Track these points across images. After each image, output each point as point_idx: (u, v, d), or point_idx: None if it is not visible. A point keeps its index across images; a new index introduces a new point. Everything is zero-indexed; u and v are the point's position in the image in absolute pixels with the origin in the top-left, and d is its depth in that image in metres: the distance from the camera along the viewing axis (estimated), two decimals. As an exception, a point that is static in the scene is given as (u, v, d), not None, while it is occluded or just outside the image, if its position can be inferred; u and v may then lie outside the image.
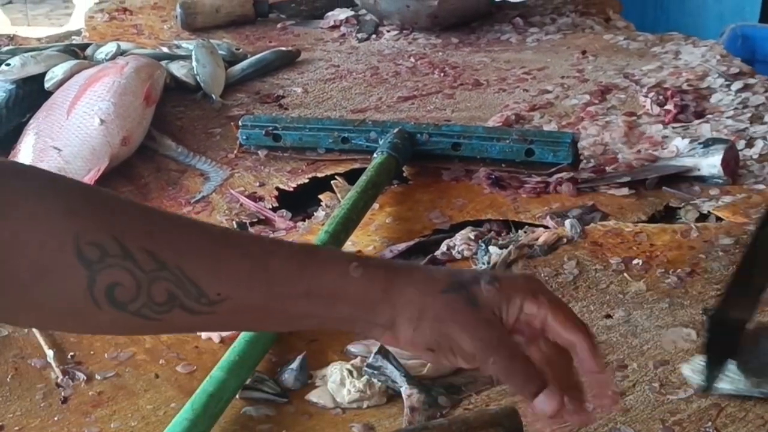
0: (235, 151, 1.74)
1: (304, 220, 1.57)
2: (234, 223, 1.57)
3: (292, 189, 1.64)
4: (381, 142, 1.63)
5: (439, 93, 1.92)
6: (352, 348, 1.26)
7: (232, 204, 1.62)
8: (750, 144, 1.66)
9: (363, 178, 1.53)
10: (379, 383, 1.18)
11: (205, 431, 1.10)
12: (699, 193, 1.56)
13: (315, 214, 1.58)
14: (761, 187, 1.55)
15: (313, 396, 1.19)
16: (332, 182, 1.63)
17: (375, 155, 1.60)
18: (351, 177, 1.63)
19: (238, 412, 1.17)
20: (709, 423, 1.11)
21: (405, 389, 1.17)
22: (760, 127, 1.71)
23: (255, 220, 1.58)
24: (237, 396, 1.17)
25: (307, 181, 1.66)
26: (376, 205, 1.54)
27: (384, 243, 1.47)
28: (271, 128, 1.71)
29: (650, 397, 1.16)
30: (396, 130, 1.64)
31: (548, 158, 1.60)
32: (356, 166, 1.66)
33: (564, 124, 1.76)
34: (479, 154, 1.63)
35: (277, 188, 1.65)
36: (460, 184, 1.61)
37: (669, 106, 1.77)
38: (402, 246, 1.45)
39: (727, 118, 1.75)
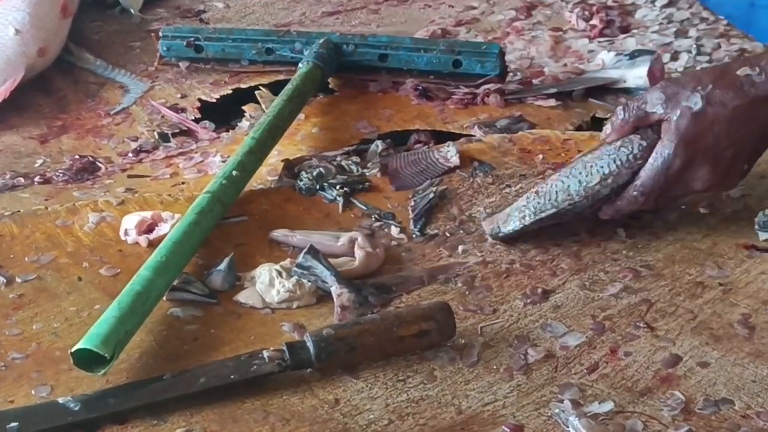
0: (156, 63, 1.70)
1: (228, 131, 1.54)
2: (156, 134, 1.54)
3: (215, 100, 1.61)
4: (306, 53, 1.60)
5: (364, 8, 1.90)
6: (275, 234, 1.25)
7: (153, 115, 1.59)
8: (675, 57, 1.66)
9: (289, 87, 1.50)
10: (309, 283, 1.16)
11: (132, 330, 1.07)
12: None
13: (239, 124, 1.55)
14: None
15: (242, 297, 1.17)
16: (256, 93, 1.60)
17: (300, 65, 1.57)
18: (275, 88, 1.60)
19: (165, 313, 1.14)
20: (639, 318, 1.12)
21: (335, 289, 1.15)
22: (685, 41, 1.71)
23: (177, 131, 1.55)
24: (164, 298, 1.15)
25: (230, 92, 1.62)
26: (302, 116, 1.52)
27: (311, 151, 1.45)
28: (192, 39, 1.67)
29: (580, 294, 1.16)
30: (322, 41, 1.61)
31: (476, 70, 1.59)
32: (281, 77, 1.63)
33: (490, 39, 1.75)
34: (406, 66, 1.61)
35: (200, 99, 1.62)
36: (387, 95, 1.59)
37: (595, 21, 1.77)
38: (330, 153, 1.43)
39: (653, 32, 1.75)
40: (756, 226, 1.23)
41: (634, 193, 1.19)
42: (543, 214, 1.22)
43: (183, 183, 1.40)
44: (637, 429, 0.97)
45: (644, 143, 1.19)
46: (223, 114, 1.60)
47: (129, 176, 1.44)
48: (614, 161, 1.20)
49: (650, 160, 1.18)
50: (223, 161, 1.43)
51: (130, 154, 1.49)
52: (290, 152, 1.45)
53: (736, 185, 1.23)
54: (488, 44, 1.62)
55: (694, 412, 0.99)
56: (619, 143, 1.20)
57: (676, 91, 1.18)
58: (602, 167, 1.20)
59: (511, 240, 1.24)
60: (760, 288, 1.15)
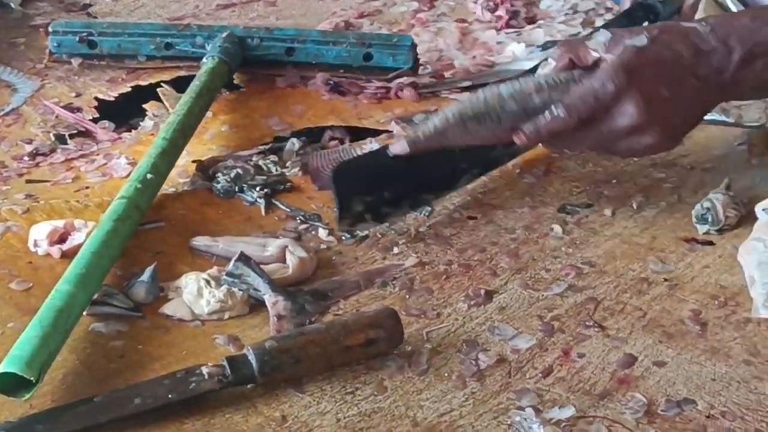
0: (45, 61, 1.60)
1: (130, 131, 1.46)
2: (51, 135, 1.44)
3: (113, 98, 1.52)
4: (209, 48, 1.52)
5: (260, 1, 1.83)
6: (196, 242, 1.18)
7: (47, 116, 1.49)
8: (584, 48, 1.64)
9: (196, 83, 1.42)
10: (241, 292, 1.09)
11: (56, 349, 0.99)
12: (540, 96, 1.52)
13: (142, 124, 1.46)
14: (600, 89, 1.53)
15: (168, 309, 1.09)
16: (159, 90, 1.52)
17: (204, 60, 1.49)
18: (177, 85, 1.53)
19: (86, 329, 1.06)
20: (588, 317, 1.08)
21: (269, 297, 1.09)
22: (592, 32, 1.69)
23: (74, 132, 1.46)
24: (84, 313, 1.06)
25: (129, 90, 1.54)
26: (209, 114, 1.44)
27: (222, 151, 1.38)
28: (85, 34, 1.57)
29: (524, 294, 1.12)
30: (225, 35, 1.53)
31: (387, 63, 1.53)
32: (182, 73, 1.55)
33: (395, 31, 1.70)
34: (315, 60, 1.54)
35: (96, 98, 1.52)
36: (296, 90, 1.53)
37: (500, 12, 1.73)
38: (245, 153, 1.36)
39: (559, 23, 1.72)
40: (694, 219, 1.21)
41: (559, 109, 1.14)
42: (469, 112, 1.14)
43: (87, 187, 1.32)
44: (601, 434, 0.94)
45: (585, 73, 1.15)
46: (121, 113, 1.51)
47: (27, 181, 1.34)
48: (553, 78, 1.15)
49: (583, 81, 1.15)
50: (130, 163, 1.35)
51: (26, 158, 1.39)
52: (200, 152, 1.37)
53: (666, 146, 1.19)
54: (400, 37, 1.57)
55: (658, 414, 0.96)
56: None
57: (623, 34, 1.16)
58: (539, 79, 1.15)
59: (429, 146, 1.15)
60: (706, 282, 1.13)
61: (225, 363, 0.98)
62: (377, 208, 1.21)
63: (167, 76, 1.55)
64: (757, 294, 1.08)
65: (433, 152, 1.16)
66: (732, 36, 1.16)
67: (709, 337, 1.05)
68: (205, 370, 0.97)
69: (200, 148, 1.38)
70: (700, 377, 1.00)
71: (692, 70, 1.15)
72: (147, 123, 1.46)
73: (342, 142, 1.41)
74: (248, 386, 0.99)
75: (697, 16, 1.44)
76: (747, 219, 1.20)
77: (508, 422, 0.95)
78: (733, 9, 1.41)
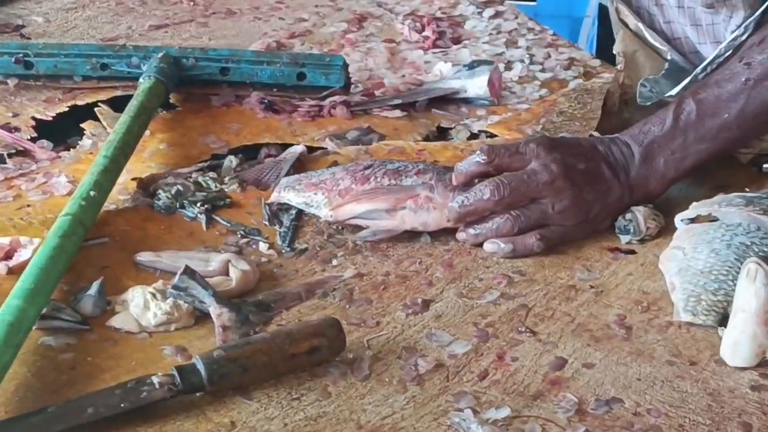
0: (-19, 82, 1.62)
1: (68, 150, 1.48)
2: (-9, 155, 1.46)
3: (51, 118, 1.55)
4: (145, 68, 1.56)
5: (192, 21, 1.87)
6: (140, 258, 1.22)
7: (-16, 136, 1.51)
8: (509, 67, 1.71)
9: (134, 103, 1.46)
10: (186, 304, 1.13)
11: (8, 363, 1.02)
12: (467, 114, 1.58)
13: (80, 143, 1.49)
14: (525, 106, 1.59)
15: (116, 322, 1.12)
16: (96, 110, 1.55)
17: (141, 80, 1.52)
18: (113, 105, 1.56)
19: (36, 343, 1.09)
20: (520, 323, 1.14)
21: (214, 309, 1.12)
22: (516, 51, 1.75)
23: (13, 151, 1.48)
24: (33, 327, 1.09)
25: (66, 109, 1.56)
26: (147, 132, 1.47)
27: (161, 168, 1.41)
28: (21, 55, 1.60)
29: (458, 302, 1.17)
30: (160, 55, 1.57)
31: (320, 82, 1.58)
32: (118, 93, 1.58)
33: (326, 51, 1.75)
34: (249, 79, 1.59)
35: (34, 118, 1.55)
36: (231, 109, 1.57)
37: (427, 33, 1.79)
38: (185, 170, 1.40)
39: (484, 43, 1.78)
40: (617, 230, 1.27)
41: (480, 151, 1.26)
42: None
43: (28, 206, 1.34)
44: (536, 432, 0.99)
45: None
46: (58, 132, 1.53)
47: (-32, 200, 1.36)
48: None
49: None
50: (70, 182, 1.38)
51: (-35, 177, 1.42)
52: (139, 170, 1.40)
53: (576, 215, 1.25)
54: (332, 56, 1.62)
55: (588, 412, 1.02)
56: None
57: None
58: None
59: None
60: (629, 289, 1.19)
61: (175, 372, 1.01)
62: None
63: (104, 96, 1.58)
64: (678, 299, 1.14)
65: None
66: (630, 140, 1.29)
67: (634, 340, 1.11)
68: (155, 379, 1.01)
69: (139, 165, 1.41)
70: (627, 377, 1.06)
71: (605, 159, 1.28)
72: (85, 142, 1.49)
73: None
74: (197, 394, 1.02)
75: (615, 50, 1.52)
76: (666, 229, 1.27)
77: (448, 423, 1.00)
78: (650, 40, 1.48)
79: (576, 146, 1.29)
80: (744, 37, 1.33)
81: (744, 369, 1.06)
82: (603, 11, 3.16)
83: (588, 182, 1.25)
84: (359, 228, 1.27)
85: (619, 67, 1.50)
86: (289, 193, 1.32)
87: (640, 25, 1.48)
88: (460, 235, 1.26)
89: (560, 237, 1.25)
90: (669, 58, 1.45)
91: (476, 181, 1.26)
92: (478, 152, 1.26)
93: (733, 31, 1.37)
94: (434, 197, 1.26)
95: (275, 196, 1.32)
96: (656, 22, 1.49)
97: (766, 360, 1.06)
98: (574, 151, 1.27)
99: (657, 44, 1.47)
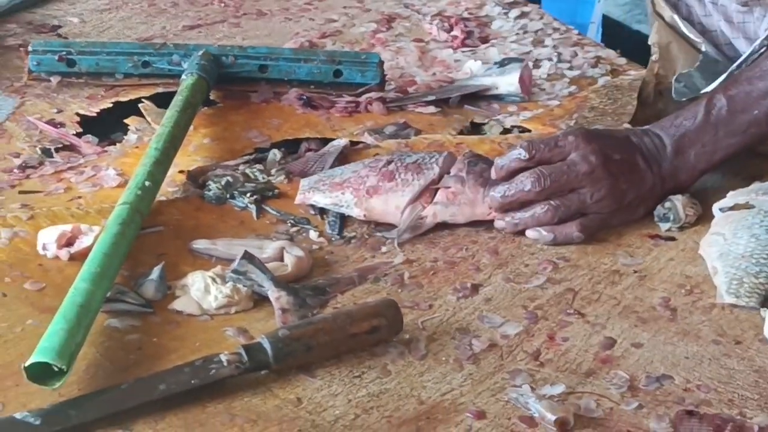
0: (25, 79, 1.65)
1: (113, 145, 1.52)
2: (38, 149, 1.50)
3: (95, 114, 1.59)
4: (186, 65, 1.59)
5: (224, 22, 1.90)
6: (196, 245, 1.26)
7: (31, 131, 1.55)
8: (537, 65, 1.74)
9: (178, 98, 1.50)
10: (245, 288, 1.17)
11: (81, 341, 1.05)
12: (499, 110, 1.63)
13: (126, 137, 1.53)
14: (555, 102, 1.64)
15: (178, 305, 1.16)
16: (140, 105, 1.58)
17: (184, 77, 1.56)
18: (155, 101, 1.60)
19: (102, 325, 1.13)
20: (568, 306, 1.18)
21: (273, 292, 1.16)
22: (543, 50, 1.80)
23: (59, 146, 1.52)
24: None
25: (110, 105, 1.60)
26: (190, 128, 1.51)
27: (207, 161, 1.45)
28: (65, 53, 1.64)
29: (506, 287, 1.21)
30: (201, 53, 1.61)
31: (356, 79, 1.62)
32: (159, 90, 1.62)
33: (358, 50, 1.79)
34: (287, 76, 1.62)
35: (78, 114, 1.59)
36: (270, 105, 1.61)
37: (456, 32, 1.83)
38: (232, 163, 1.44)
39: (511, 42, 1.83)
40: (656, 219, 1.31)
41: (520, 147, 1.29)
42: None
43: (80, 197, 1.38)
44: (591, 407, 1.03)
45: None
46: (100, 128, 1.57)
47: (20, 192, 1.40)
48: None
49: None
50: (118, 174, 1.42)
51: (16, 170, 1.45)
52: (186, 163, 1.44)
53: (612, 204, 1.29)
54: (367, 54, 1.66)
55: (639, 388, 1.06)
56: None
57: None
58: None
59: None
60: (672, 273, 1.23)
61: (242, 351, 1.05)
62: None
63: (145, 92, 1.62)
64: (721, 282, 1.18)
65: None
66: (662, 133, 1.33)
67: (680, 320, 1.15)
68: (223, 357, 1.05)
69: (185, 159, 1.45)
70: (675, 356, 1.10)
71: (640, 151, 1.32)
72: (131, 137, 1.52)
73: (317, 152, 1.49)
74: (263, 372, 1.06)
75: (650, 41, 1.56)
76: (704, 217, 1.31)
77: (506, 399, 1.04)
78: (685, 31, 1.52)
79: (612, 138, 1.33)
80: None
81: (787, 347, 1.11)
82: (606, 20, 3.22)
83: (623, 172, 1.29)
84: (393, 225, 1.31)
85: (654, 58, 1.54)
86: (315, 194, 1.34)
87: (676, 17, 1.52)
88: (499, 223, 1.30)
89: (598, 225, 1.29)
90: (703, 50, 1.49)
91: None
92: (518, 148, 1.29)
93: (767, 29, 1.41)
94: (465, 191, 1.30)
95: (300, 198, 1.35)
96: (694, 14, 1.53)
97: (809, 338, 1.11)
98: (610, 142, 1.31)
99: (692, 36, 1.50)
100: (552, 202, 1.28)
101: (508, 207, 1.29)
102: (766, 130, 1.33)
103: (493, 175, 1.30)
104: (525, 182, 1.28)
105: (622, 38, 2.06)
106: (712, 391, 1.05)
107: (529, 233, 1.28)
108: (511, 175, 1.29)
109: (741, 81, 1.33)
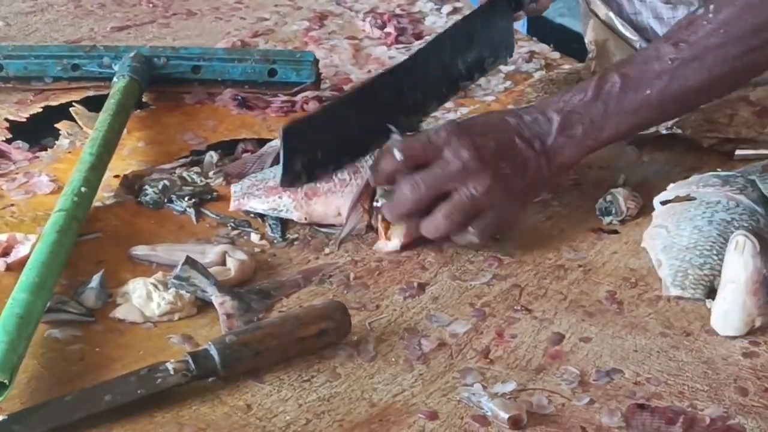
0: (-51, 85, 1.61)
1: (44, 150, 1.48)
2: (-35, 157, 1.46)
3: (25, 119, 1.55)
4: (117, 68, 1.56)
5: (154, 23, 1.87)
6: (136, 251, 1.23)
7: (-43, 138, 1.51)
8: (472, 61, 1.74)
9: (111, 102, 1.47)
10: (189, 294, 1.15)
11: (22, 354, 1.03)
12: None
13: (57, 142, 1.49)
14: (491, 98, 1.63)
15: (120, 313, 1.14)
16: (71, 110, 1.55)
17: (115, 79, 1.53)
18: (86, 105, 1.56)
19: (43, 336, 1.10)
20: (515, 302, 1.17)
21: (216, 297, 1.14)
22: (478, 46, 1.79)
23: (-12, 153, 1.48)
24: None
25: (40, 110, 1.57)
26: (124, 131, 1.48)
27: (142, 165, 1.42)
28: (-9, 58, 1.60)
29: (453, 285, 1.20)
30: (132, 54, 1.58)
31: (292, 78, 1.60)
32: (90, 93, 1.59)
33: (291, 49, 1.77)
34: (220, 77, 1.60)
35: (7, 119, 1.55)
36: (204, 106, 1.58)
37: (389, 29, 1.82)
38: (168, 166, 1.41)
39: (445, 38, 1.82)
40: (598, 212, 1.31)
41: (395, 148, 1.24)
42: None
43: (12, 205, 1.34)
44: (543, 404, 1.03)
45: None
46: (31, 133, 1.53)
47: (-50, 201, 1.36)
48: None
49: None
50: (52, 180, 1.38)
51: (-57, 179, 1.41)
52: (120, 168, 1.41)
53: (497, 195, 1.24)
54: (302, 53, 1.64)
55: (590, 383, 1.06)
56: None
57: None
58: None
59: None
60: (616, 266, 1.23)
61: (188, 358, 1.03)
62: (313, 166, 1.27)
63: (76, 96, 1.58)
64: (666, 274, 1.19)
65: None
66: (548, 108, 1.29)
67: (627, 314, 1.16)
68: (170, 365, 1.03)
69: (120, 163, 1.42)
70: (624, 349, 1.10)
71: (517, 131, 1.27)
72: (63, 142, 1.49)
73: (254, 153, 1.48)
74: (210, 379, 1.04)
75: (587, 39, 1.55)
76: (645, 210, 1.31)
77: (458, 398, 1.03)
78: (621, 29, 1.52)
79: (485, 125, 1.28)
80: None
81: (734, 338, 1.11)
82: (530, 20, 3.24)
83: (502, 158, 1.25)
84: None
85: (591, 56, 1.55)
86: (251, 200, 1.31)
87: (611, 14, 1.52)
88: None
89: (495, 220, 1.24)
90: (638, 47, 1.49)
91: None
92: (393, 149, 1.24)
93: None
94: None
95: (235, 205, 1.32)
96: (624, 12, 1.53)
97: (755, 329, 1.11)
98: (483, 129, 1.27)
99: (627, 33, 1.51)
100: (442, 210, 1.24)
101: (403, 218, 1.26)
102: (656, 113, 1.30)
103: (373, 181, 1.26)
104: (404, 193, 1.23)
105: (545, 32, 2.06)
106: (662, 383, 1.05)
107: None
108: (389, 178, 1.25)
109: (636, 61, 1.30)
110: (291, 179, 1.26)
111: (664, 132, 1.41)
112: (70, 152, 1.46)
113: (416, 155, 1.24)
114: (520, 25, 3.43)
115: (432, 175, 1.23)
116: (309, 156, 1.26)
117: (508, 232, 1.28)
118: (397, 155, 1.24)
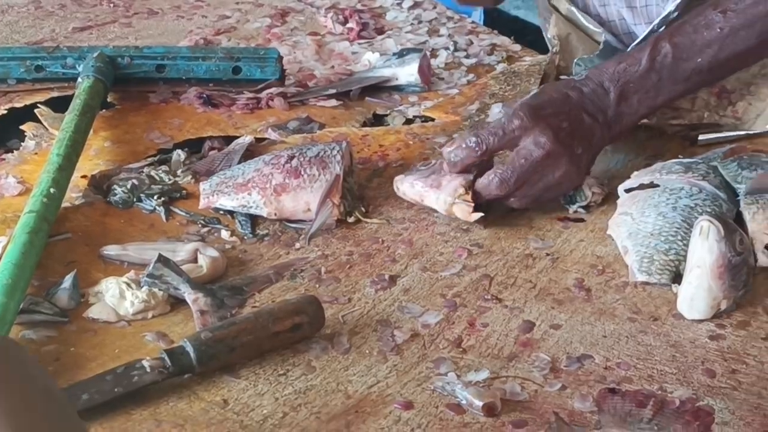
0: None
1: (10, 152, 1.48)
2: (-72, 163, 1.46)
3: (-12, 122, 1.55)
4: (81, 68, 1.57)
5: (116, 22, 1.87)
6: (107, 251, 1.24)
7: None
8: (434, 55, 1.75)
9: (76, 102, 1.47)
10: (162, 292, 1.15)
11: (-2, 355, 1.03)
12: (400, 101, 1.63)
13: (23, 144, 1.49)
14: (455, 91, 1.65)
15: (93, 312, 1.14)
16: (36, 111, 1.55)
17: (80, 80, 1.53)
18: (51, 106, 1.57)
19: (17, 337, 1.10)
20: (485, 292, 1.19)
21: (190, 294, 1.15)
22: (439, 39, 1.81)
23: (-47, 155, 1.48)
24: (12, 321, 1.10)
25: (5, 112, 1.56)
26: (90, 131, 1.48)
27: (110, 165, 1.43)
28: (-48, 60, 1.59)
29: (424, 276, 1.22)
30: (95, 55, 1.58)
31: (256, 75, 1.61)
32: (54, 94, 1.59)
33: (254, 46, 1.78)
34: (185, 75, 1.60)
35: (-29, 122, 1.55)
36: (170, 105, 1.59)
37: (351, 25, 1.83)
38: (135, 165, 1.41)
39: (407, 33, 1.83)
40: (563, 201, 1.33)
41: (469, 139, 1.29)
42: None
43: (-22, 207, 1.35)
44: (516, 391, 1.04)
45: None
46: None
47: None
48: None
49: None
50: (19, 182, 1.38)
51: None
52: (88, 168, 1.42)
53: (574, 175, 1.30)
54: (266, 49, 1.65)
55: (561, 369, 1.07)
56: None
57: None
58: None
59: None
60: (583, 254, 1.25)
61: (164, 355, 1.04)
62: None
63: (40, 97, 1.59)
64: (632, 261, 1.21)
65: None
66: (604, 79, 1.33)
67: (595, 300, 1.17)
68: (146, 363, 1.03)
69: (87, 163, 1.43)
70: (593, 335, 1.12)
71: (582, 106, 1.32)
72: (29, 143, 1.49)
73: (221, 150, 1.48)
74: (186, 376, 1.05)
75: (549, 33, 1.57)
76: (610, 197, 1.33)
77: (432, 388, 1.05)
78: (584, 22, 1.54)
79: (553, 103, 1.31)
80: (676, 14, 1.40)
81: (701, 321, 1.13)
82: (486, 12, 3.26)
83: (575, 137, 1.30)
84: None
85: (554, 50, 1.56)
86: (220, 197, 1.32)
87: (572, 8, 1.54)
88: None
89: (561, 189, 1.32)
90: (603, 39, 1.51)
91: None
92: (467, 140, 1.29)
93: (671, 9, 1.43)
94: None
95: (204, 203, 1.33)
96: (590, 4, 1.55)
97: (721, 312, 1.13)
98: (554, 110, 1.30)
99: (591, 27, 1.53)
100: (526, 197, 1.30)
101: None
102: (707, 77, 1.35)
103: (448, 169, 1.30)
104: (491, 187, 1.28)
105: (501, 23, 2.08)
106: (632, 368, 1.07)
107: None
108: (465, 168, 1.29)
109: (686, 29, 1.34)
110: None
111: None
112: (36, 153, 1.46)
113: (493, 147, 1.29)
114: (477, 17, 3.47)
115: (519, 168, 1.27)
116: None
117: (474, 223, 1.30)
118: (474, 148, 1.28)
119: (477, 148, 1.28)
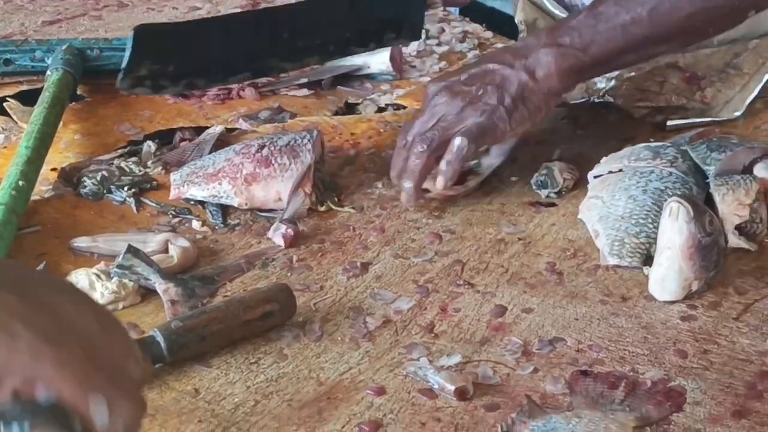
0: None
1: (-19, 147, 1.48)
2: None
3: (-42, 116, 1.54)
4: (50, 61, 1.56)
5: (85, 15, 1.86)
6: (77, 243, 1.23)
7: None
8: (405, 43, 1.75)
9: (45, 95, 1.46)
10: (132, 282, 1.15)
11: (-34, 348, 1.02)
12: (372, 89, 1.63)
13: (-8, 138, 1.49)
14: (426, 78, 1.64)
15: (63, 305, 1.13)
16: (5, 104, 1.54)
17: (49, 73, 1.52)
18: (20, 99, 1.56)
19: (-14, 330, 1.09)
20: (457, 277, 1.19)
21: (160, 285, 1.14)
22: (410, 28, 1.80)
23: None
24: (-19, 314, 1.09)
25: (-26, 107, 1.56)
26: (60, 124, 1.47)
27: (80, 158, 1.42)
28: None
29: (395, 263, 1.21)
30: (65, 47, 1.57)
31: (228, 64, 1.60)
32: (24, 87, 1.58)
33: (224, 37, 1.77)
34: (154, 66, 1.60)
35: (-60, 117, 1.54)
36: (140, 97, 1.57)
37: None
38: (105, 157, 1.41)
39: (377, 21, 1.83)
40: (534, 186, 1.33)
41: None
42: None
43: (-52, 201, 1.33)
44: (488, 374, 1.04)
45: None
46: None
47: None
48: None
49: None
50: (-10, 175, 1.38)
51: None
52: (57, 161, 1.41)
53: (494, 117, 1.29)
54: (236, 39, 1.64)
55: (533, 352, 1.07)
56: None
57: None
58: None
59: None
60: (555, 238, 1.25)
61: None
62: (159, 77, 1.35)
63: (9, 91, 1.58)
64: (603, 244, 1.21)
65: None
66: (541, 32, 1.34)
67: (566, 284, 1.17)
68: (116, 353, 1.03)
69: (57, 156, 1.42)
70: (565, 318, 1.12)
71: (493, 58, 1.34)
72: (-2, 137, 1.48)
73: (191, 142, 1.47)
74: (157, 366, 1.04)
75: (516, 19, 1.57)
76: (581, 182, 1.33)
77: (404, 373, 1.04)
78: (550, 7, 1.54)
79: (467, 67, 1.34)
80: None
81: (672, 302, 1.13)
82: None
83: (473, 84, 1.30)
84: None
85: (522, 35, 1.56)
86: (191, 188, 1.32)
87: (539, -7, 1.55)
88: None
89: (478, 126, 1.29)
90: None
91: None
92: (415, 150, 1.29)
93: None
94: None
95: (175, 194, 1.33)
96: None
97: (692, 293, 1.14)
98: (455, 71, 1.32)
99: (557, 12, 1.53)
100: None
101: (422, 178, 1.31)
102: (647, 31, 1.29)
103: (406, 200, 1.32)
104: (413, 161, 1.29)
105: (478, 15, 2.09)
106: (603, 350, 1.07)
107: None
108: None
109: None
110: (131, 83, 1.30)
111: (597, 100, 1.43)
112: (5, 147, 1.45)
113: (411, 124, 1.32)
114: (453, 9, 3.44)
115: (424, 125, 1.29)
116: (158, 65, 1.28)
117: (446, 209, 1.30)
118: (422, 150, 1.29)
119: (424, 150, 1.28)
